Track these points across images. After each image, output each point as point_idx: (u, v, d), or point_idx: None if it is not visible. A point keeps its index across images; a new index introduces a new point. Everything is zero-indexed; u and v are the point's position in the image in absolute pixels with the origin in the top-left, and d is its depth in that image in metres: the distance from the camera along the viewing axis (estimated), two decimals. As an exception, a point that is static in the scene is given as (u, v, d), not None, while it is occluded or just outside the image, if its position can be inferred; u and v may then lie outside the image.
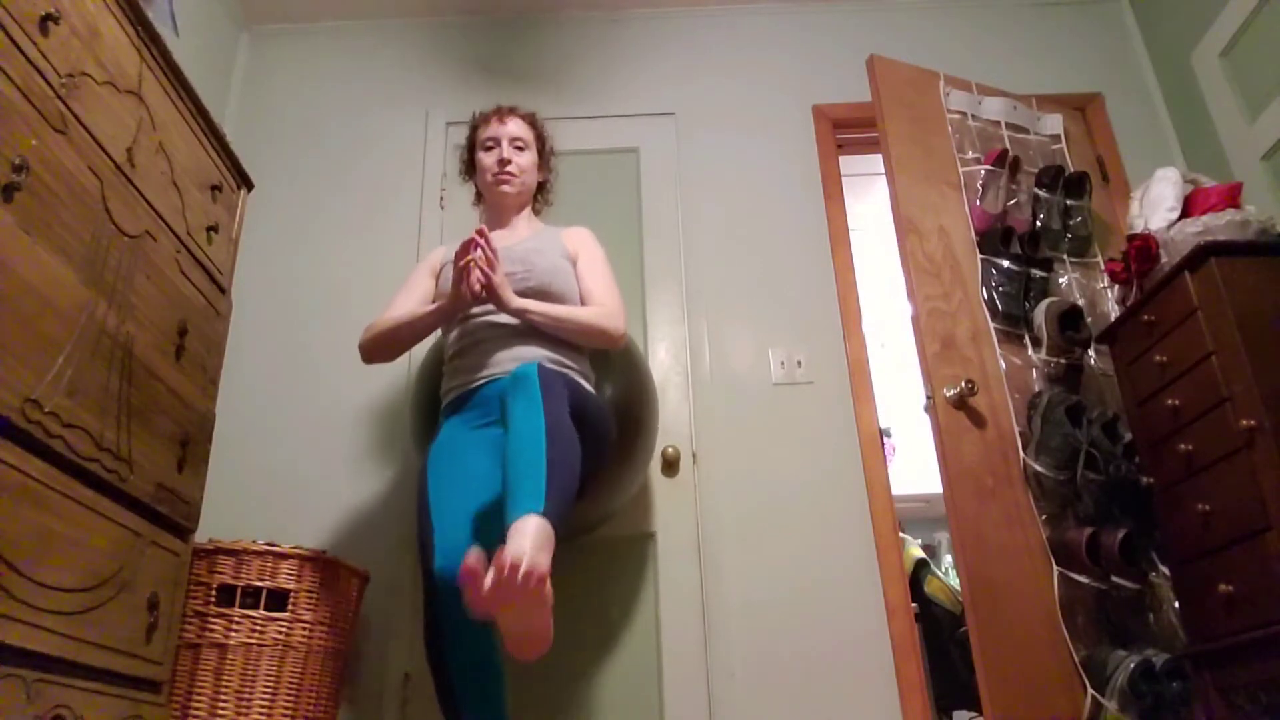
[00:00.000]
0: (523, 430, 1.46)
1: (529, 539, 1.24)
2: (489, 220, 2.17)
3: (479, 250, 1.78)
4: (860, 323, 2.72)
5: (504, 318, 1.88)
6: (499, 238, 2.07)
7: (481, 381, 1.85)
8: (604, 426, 1.80)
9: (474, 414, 1.84)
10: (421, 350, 2.49)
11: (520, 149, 2.11)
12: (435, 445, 1.80)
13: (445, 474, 1.71)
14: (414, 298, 2.03)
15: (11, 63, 1.19)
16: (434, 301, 1.99)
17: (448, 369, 1.96)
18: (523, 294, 1.86)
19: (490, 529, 1.62)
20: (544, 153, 2.19)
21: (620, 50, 3.15)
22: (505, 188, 2.08)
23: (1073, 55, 3.12)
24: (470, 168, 2.20)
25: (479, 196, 2.23)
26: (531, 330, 1.87)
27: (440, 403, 1.98)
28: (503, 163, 2.07)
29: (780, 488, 2.52)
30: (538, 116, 2.20)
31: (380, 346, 1.99)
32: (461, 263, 1.80)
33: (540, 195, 2.23)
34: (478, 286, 1.79)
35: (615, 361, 2.08)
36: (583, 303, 1.97)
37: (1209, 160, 2.76)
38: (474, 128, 2.17)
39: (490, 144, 2.10)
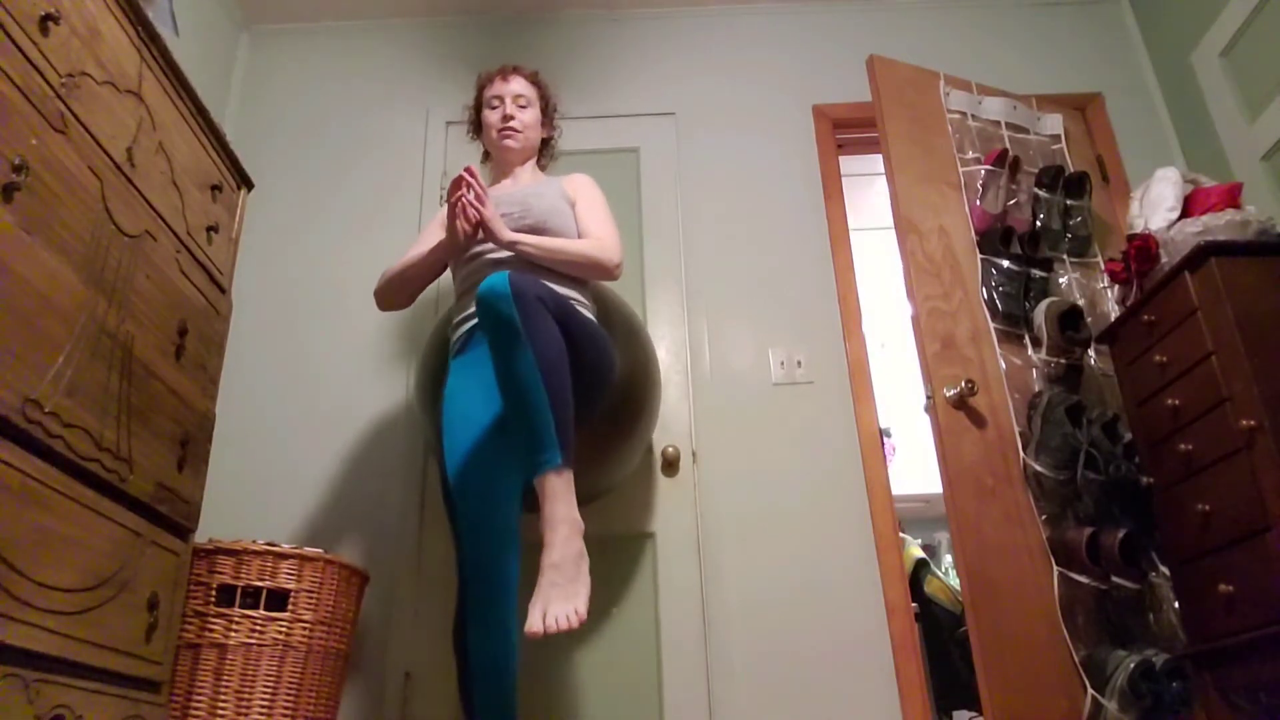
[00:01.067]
0: (518, 378, 1.50)
1: (563, 565, 1.41)
2: (494, 175, 2.24)
3: (470, 189, 1.84)
4: (860, 323, 2.72)
5: (507, 256, 1.92)
6: (503, 188, 2.13)
7: None
8: (597, 338, 1.78)
9: (478, 352, 1.86)
10: (424, 334, 2.49)
11: (523, 106, 2.17)
12: (445, 399, 1.86)
13: (459, 433, 1.77)
14: (423, 247, 2.09)
15: (11, 63, 1.19)
16: None
17: (453, 309, 2.02)
18: (519, 231, 1.91)
19: (500, 456, 1.70)
20: (547, 110, 2.25)
21: (620, 50, 3.15)
22: (509, 142, 2.14)
23: (1073, 55, 3.12)
24: (477, 127, 2.27)
25: (486, 154, 2.31)
26: (532, 267, 1.89)
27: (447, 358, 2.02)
28: (506, 119, 2.14)
29: (780, 488, 2.52)
30: (541, 75, 2.26)
31: (391, 290, 2.08)
32: (453, 199, 1.87)
33: (545, 151, 2.29)
34: (473, 220, 1.85)
35: (617, 328, 2.08)
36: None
37: (1209, 160, 2.76)
38: (480, 87, 2.25)
39: (495, 102, 2.17)
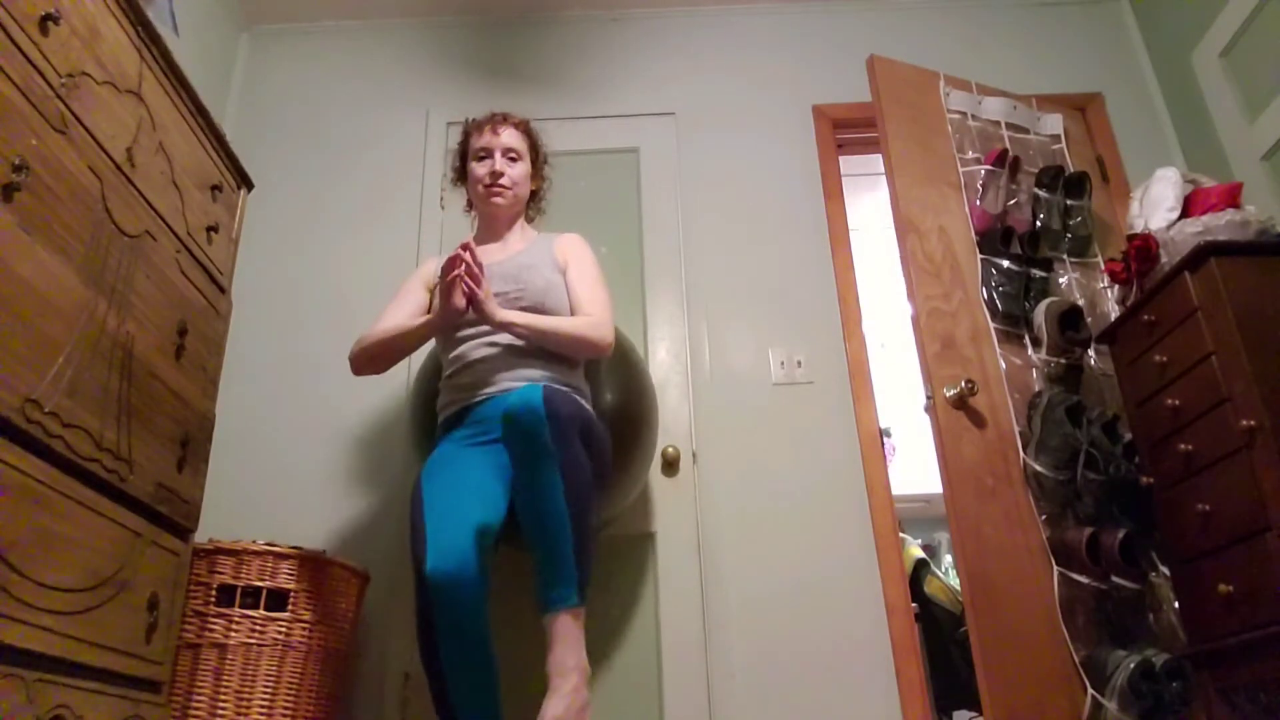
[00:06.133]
0: (546, 509, 1.48)
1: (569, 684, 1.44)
2: (480, 230, 2.15)
3: (464, 265, 1.78)
4: (860, 323, 2.72)
5: (503, 337, 1.87)
6: (491, 251, 2.05)
7: (480, 399, 1.85)
8: (605, 444, 1.82)
9: (471, 430, 1.84)
10: (421, 355, 2.48)
11: (513, 160, 2.07)
12: (431, 460, 1.81)
13: (441, 483, 1.71)
14: (405, 310, 2.02)
15: (11, 63, 1.19)
16: (428, 313, 1.98)
17: (444, 386, 1.95)
18: (518, 310, 1.87)
19: (485, 540, 1.62)
20: (537, 162, 2.16)
21: (620, 50, 3.15)
22: (497, 200, 2.05)
23: (1073, 55, 3.12)
24: (462, 175, 2.17)
25: (470, 204, 2.20)
26: (530, 349, 1.86)
27: (437, 417, 1.97)
28: (495, 175, 2.04)
29: (780, 488, 2.52)
30: (532, 125, 2.16)
31: (371, 359, 1.98)
32: (448, 278, 1.79)
33: (533, 203, 2.20)
34: (463, 302, 1.79)
35: (615, 364, 2.08)
36: (572, 312, 1.95)
37: (1209, 160, 2.76)
38: (466, 134, 2.14)
39: (483, 154, 2.07)
